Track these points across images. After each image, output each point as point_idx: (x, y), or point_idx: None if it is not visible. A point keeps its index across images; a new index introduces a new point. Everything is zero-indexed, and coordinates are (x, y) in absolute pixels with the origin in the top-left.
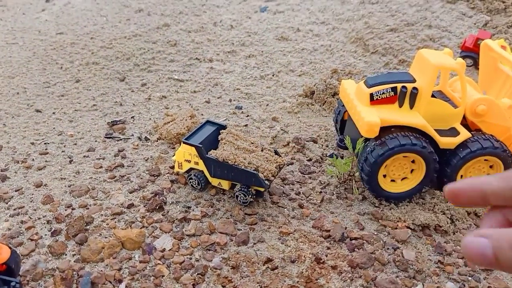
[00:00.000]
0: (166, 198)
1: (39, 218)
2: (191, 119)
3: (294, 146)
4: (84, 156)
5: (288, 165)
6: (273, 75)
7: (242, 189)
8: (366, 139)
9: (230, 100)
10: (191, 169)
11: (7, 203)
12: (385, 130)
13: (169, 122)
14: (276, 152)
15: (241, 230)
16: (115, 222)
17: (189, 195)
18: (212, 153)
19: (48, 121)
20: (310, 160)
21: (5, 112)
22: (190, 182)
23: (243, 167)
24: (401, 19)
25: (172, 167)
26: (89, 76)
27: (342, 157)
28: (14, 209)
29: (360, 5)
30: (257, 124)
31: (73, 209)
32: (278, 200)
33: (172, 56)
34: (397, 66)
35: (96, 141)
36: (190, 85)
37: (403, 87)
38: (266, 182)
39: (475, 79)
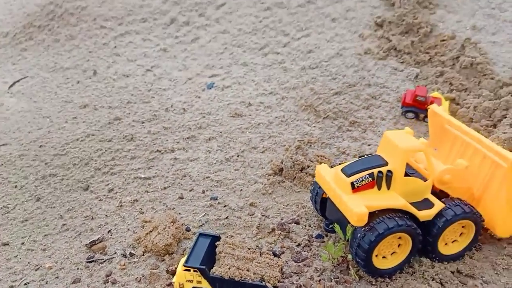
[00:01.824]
0: None
1: None
2: (173, 224)
3: (280, 233)
4: None
5: (280, 255)
6: (238, 156)
7: None
8: None
9: (203, 191)
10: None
11: None
12: (370, 213)
13: (151, 231)
14: (274, 254)
15: None
16: None
17: None
18: (216, 271)
19: (19, 254)
20: (299, 245)
21: None
22: None
23: (250, 281)
24: (342, 82)
25: (169, 285)
26: (49, 191)
27: (326, 235)
28: None
29: (302, 71)
30: (237, 214)
31: None
32: None
33: (132, 152)
34: (349, 128)
35: (78, 268)
36: (159, 182)
37: (379, 172)
38: None
39: (418, 130)
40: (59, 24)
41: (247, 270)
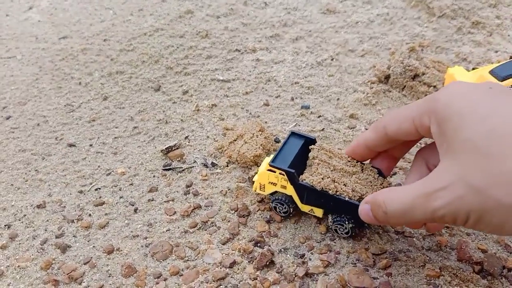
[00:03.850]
0: (271, 247)
1: None
2: (261, 133)
3: None
4: (148, 200)
5: (391, 176)
6: (332, 59)
7: (336, 220)
8: None
9: (292, 99)
10: (275, 191)
11: (81, 284)
12: None
13: (235, 140)
14: (379, 173)
15: (377, 278)
16: None
17: (295, 238)
18: (307, 179)
19: (87, 157)
20: None
21: (32, 153)
22: (275, 207)
23: (347, 198)
24: None
25: (260, 201)
26: (117, 89)
27: None
28: None
29: None
30: (334, 126)
31: (165, 279)
32: (402, 228)
33: (207, 51)
34: (471, 29)
35: (154, 176)
36: (239, 85)
37: None
38: None
39: None
40: None
41: (344, 185)
